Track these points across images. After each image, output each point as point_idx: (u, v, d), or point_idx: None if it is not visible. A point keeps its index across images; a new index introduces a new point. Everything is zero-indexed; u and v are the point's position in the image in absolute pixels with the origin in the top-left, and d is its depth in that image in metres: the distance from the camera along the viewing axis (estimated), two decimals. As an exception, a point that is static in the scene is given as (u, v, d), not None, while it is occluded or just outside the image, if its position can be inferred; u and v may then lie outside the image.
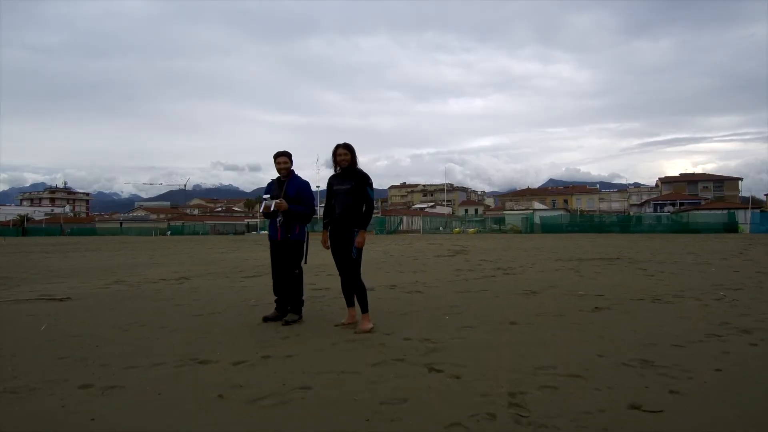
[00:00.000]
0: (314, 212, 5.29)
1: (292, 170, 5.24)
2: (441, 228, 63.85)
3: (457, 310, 5.57)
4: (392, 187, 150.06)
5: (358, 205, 4.68)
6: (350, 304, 4.92)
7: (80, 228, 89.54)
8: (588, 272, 9.56)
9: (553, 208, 76.13)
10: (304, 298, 5.21)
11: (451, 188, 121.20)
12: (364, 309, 4.67)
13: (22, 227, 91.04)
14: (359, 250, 4.69)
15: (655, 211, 71.77)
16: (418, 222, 70.65)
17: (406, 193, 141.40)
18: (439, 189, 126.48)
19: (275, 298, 5.24)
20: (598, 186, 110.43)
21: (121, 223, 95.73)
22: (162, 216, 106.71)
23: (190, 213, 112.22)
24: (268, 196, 5.01)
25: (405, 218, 73.12)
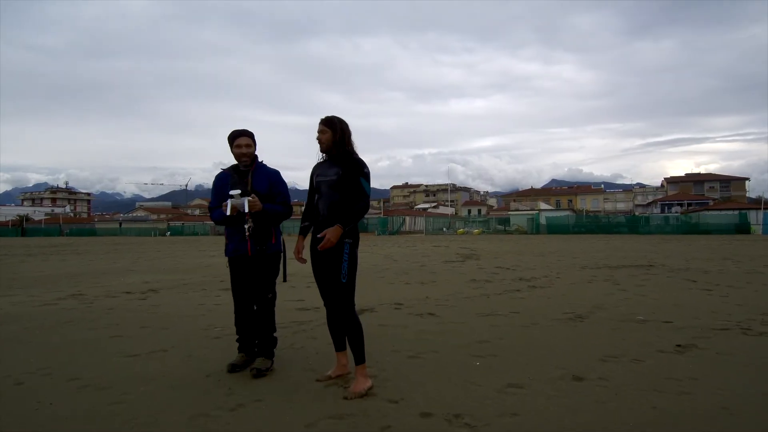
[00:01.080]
0: (292, 212, 3.81)
1: (256, 156, 3.76)
2: (444, 229, 62.36)
3: (489, 349, 4.08)
4: (394, 187, 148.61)
5: (349, 203, 3.27)
6: (339, 347, 3.44)
7: (79, 228, 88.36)
8: (628, 285, 8.07)
9: (558, 209, 74.52)
10: (276, 335, 3.75)
11: (454, 188, 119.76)
12: (359, 358, 3.18)
13: (21, 228, 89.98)
14: (351, 272, 3.24)
15: (663, 211, 70.27)
16: (421, 222, 69.18)
17: (408, 194, 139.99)
18: (441, 189, 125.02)
19: (237, 336, 3.76)
20: (602, 186, 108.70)
21: (120, 224, 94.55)
22: (162, 216, 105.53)
23: (191, 213, 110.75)
24: (237, 192, 3.43)
25: (408, 219, 71.66)
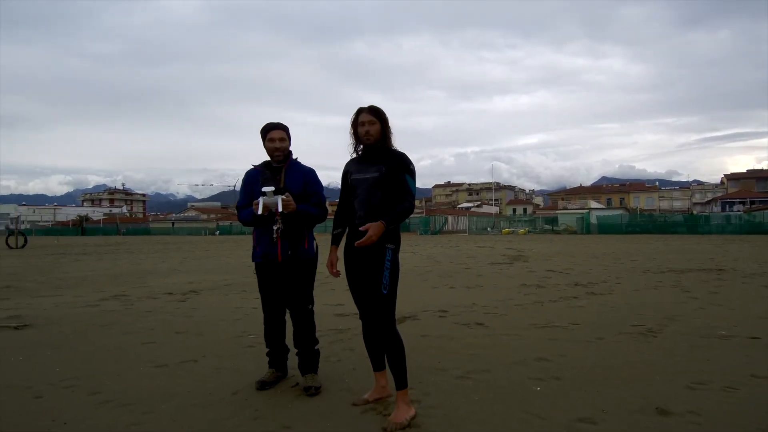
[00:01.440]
0: (327, 214, 3.44)
1: (291, 152, 3.40)
2: (489, 228, 61.04)
3: (550, 369, 3.58)
4: (436, 186, 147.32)
5: (391, 203, 2.87)
6: (378, 366, 3.04)
7: (135, 228, 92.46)
8: (700, 292, 7.28)
9: (609, 207, 71.49)
10: (317, 347, 3.40)
11: (498, 187, 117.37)
12: (401, 383, 2.78)
13: (81, 227, 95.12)
14: (392, 282, 2.84)
15: (723, 210, 66.12)
16: (464, 222, 68.06)
17: (450, 192, 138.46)
18: (485, 188, 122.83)
19: (267, 350, 3.43)
20: (657, 183, 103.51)
21: (173, 223, 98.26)
22: (212, 216, 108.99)
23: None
24: (271, 189, 3.05)
25: (450, 218, 70.68)
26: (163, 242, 37.61)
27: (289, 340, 3.42)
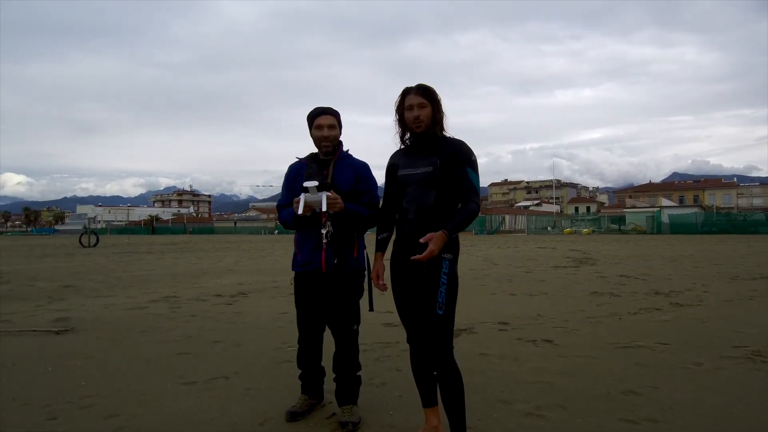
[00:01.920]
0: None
1: (341, 143, 2.88)
2: (549, 228, 58.68)
3: (643, 406, 2.89)
4: (493, 184, 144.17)
5: (451, 203, 2.37)
6: (428, 402, 2.49)
7: (200, 227, 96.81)
8: (812, 305, 6.19)
9: (682, 205, 66.78)
10: (359, 373, 2.89)
11: (559, 184, 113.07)
12: (458, 426, 2.23)
13: (151, 227, 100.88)
14: (450, 300, 2.31)
15: (813, 207, 60.03)
16: (522, 221, 65.88)
17: (507, 191, 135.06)
18: (545, 185, 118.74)
19: (299, 372, 2.97)
20: (735, 180, 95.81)
21: (235, 223, 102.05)
22: (272, 216, 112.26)
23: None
24: (314, 184, 2.49)
25: (507, 217, 68.66)
26: (225, 241, 38.76)
27: (327, 360, 2.96)
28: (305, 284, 2.82)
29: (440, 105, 2.43)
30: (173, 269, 13.04)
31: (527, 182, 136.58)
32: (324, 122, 2.76)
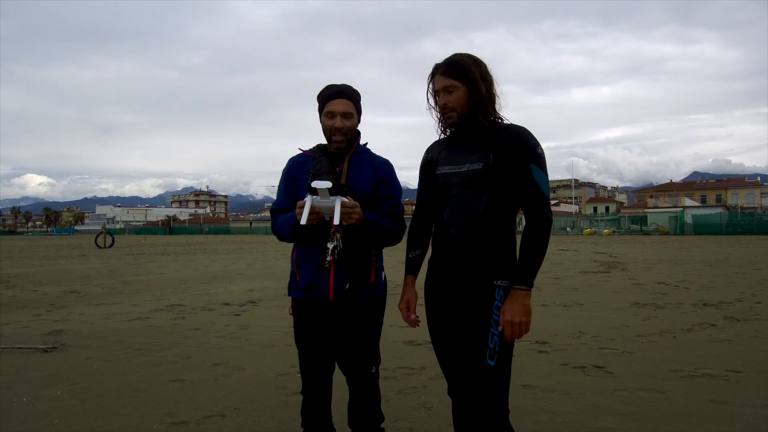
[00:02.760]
0: (405, 230, 2.26)
1: (359, 133, 2.26)
2: (568, 229, 57.49)
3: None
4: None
5: (508, 213, 1.82)
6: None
7: (217, 228, 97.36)
8: None
9: (705, 205, 64.95)
10: (383, 425, 2.27)
11: (577, 184, 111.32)
12: None
13: (168, 227, 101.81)
14: (505, 346, 1.77)
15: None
16: (540, 221, 64.81)
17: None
18: (563, 185, 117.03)
19: (302, 429, 2.30)
20: (758, 179, 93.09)
21: (250, 223, 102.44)
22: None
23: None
24: (325, 185, 1.85)
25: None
26: (240, 242, 38.55)
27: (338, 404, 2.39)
28: (308, 315, 2.19)
29: (480, 83, 1.81)
30: (184, 273, 12.64)
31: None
32: (337, 109, 2.13)
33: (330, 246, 2.06)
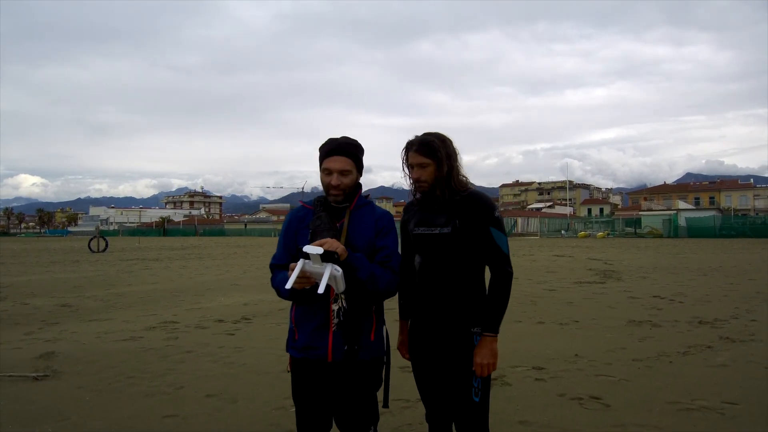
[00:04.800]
0: (398, 282, 2.20)
1: (360, 186, 2.22)
2: (563, 231, 57.72)
3: None
4: (504, 185, 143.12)
5: (474, 270, 2.15)
6: None
7: (211, 229, 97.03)
8: None
9: (699, 208, 65.31)
10: None
11: (572, 185, 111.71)
12: None
13: (163, 228, 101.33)
14: (485, 383, 2.10)
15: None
16: (534, 224, 65.01)
17: (519, 192, 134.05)
18: (557, 187, 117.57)
19: None
20: (751, 181, 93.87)
21: (245, 225, 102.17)
22: (281, 217, 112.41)
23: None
24: (317, 251, 1.82)
25: (520, 220, 67.77)
26: (234, 245, 38.42)
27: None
28: (306, 375, 2.14)
29: (448, 159, 2.13)
30: (178, 282, 12.56)
31: (539, 183, 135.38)
32: (334, 166, 2.11)
33: (335, 308, 2.05)
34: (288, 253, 2.20)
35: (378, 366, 2.19)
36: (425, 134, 2.18)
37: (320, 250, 1.81)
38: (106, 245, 29.39)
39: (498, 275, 2.12)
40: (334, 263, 1.85)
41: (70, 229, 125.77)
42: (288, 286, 1.88)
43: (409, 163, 2.18)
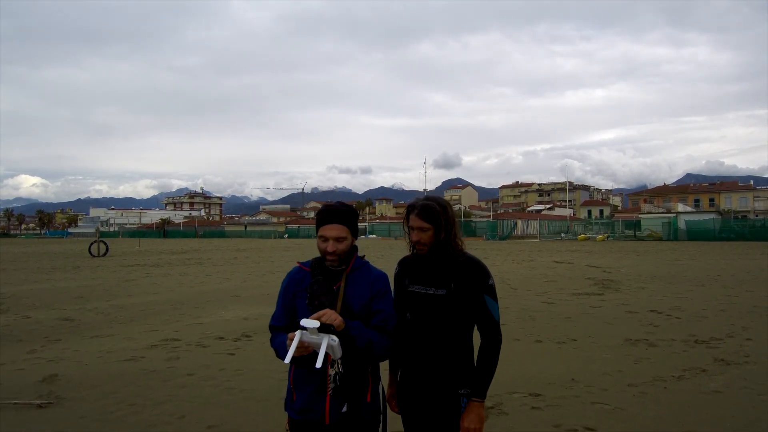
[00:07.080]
0: (392, 345, 2.27)
1: (356, 248, 2.30)
2: (563, 234, 57.82)
3: None
4: (503, 186, 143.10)
5: (463, 332, 2.25)
6: None
7: (211, 231, 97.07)
8: None
9: (698, 211, 65.35)
10: None
11: (572, 187, 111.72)
12: None
13: (163, 230, 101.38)
14: None
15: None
16: (534, 226, 65.07)
17: (519, 193, 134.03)
18: (557, 188, 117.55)
19: None
20: (752, 182, 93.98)
21: (245, 226, 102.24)
22: (281, 219, 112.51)
23: (306, 216, 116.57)
24: (314, 325, 1.91)
25: (519, 222, 67.82)
26: (234, 248, 38.53)
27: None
28: None
29: (447, 225, 2.24)
30: (178, 292, 12.63)
31: (539, 184, 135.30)
32: (330, 234, 2.18)
33: (332, 373, 2.12)
34: (286, 314, 2.28)
35: (374, 425, 2.26)
36: (426, 199, 2.29)
37: (317, 324, 1.89)
38: (107, 249, 29.48)
39: (488, 342, 2.21)
40: (331, 333, 1.93)
41: (70, 230, 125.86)
42: (287, 360, 1.97)
43: (410, 225, 2.28)
